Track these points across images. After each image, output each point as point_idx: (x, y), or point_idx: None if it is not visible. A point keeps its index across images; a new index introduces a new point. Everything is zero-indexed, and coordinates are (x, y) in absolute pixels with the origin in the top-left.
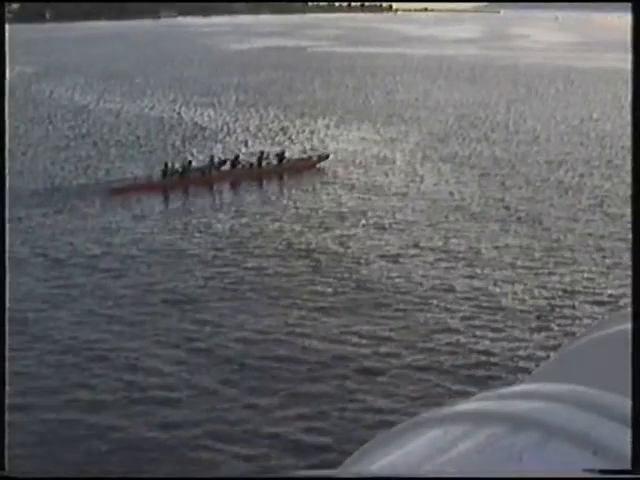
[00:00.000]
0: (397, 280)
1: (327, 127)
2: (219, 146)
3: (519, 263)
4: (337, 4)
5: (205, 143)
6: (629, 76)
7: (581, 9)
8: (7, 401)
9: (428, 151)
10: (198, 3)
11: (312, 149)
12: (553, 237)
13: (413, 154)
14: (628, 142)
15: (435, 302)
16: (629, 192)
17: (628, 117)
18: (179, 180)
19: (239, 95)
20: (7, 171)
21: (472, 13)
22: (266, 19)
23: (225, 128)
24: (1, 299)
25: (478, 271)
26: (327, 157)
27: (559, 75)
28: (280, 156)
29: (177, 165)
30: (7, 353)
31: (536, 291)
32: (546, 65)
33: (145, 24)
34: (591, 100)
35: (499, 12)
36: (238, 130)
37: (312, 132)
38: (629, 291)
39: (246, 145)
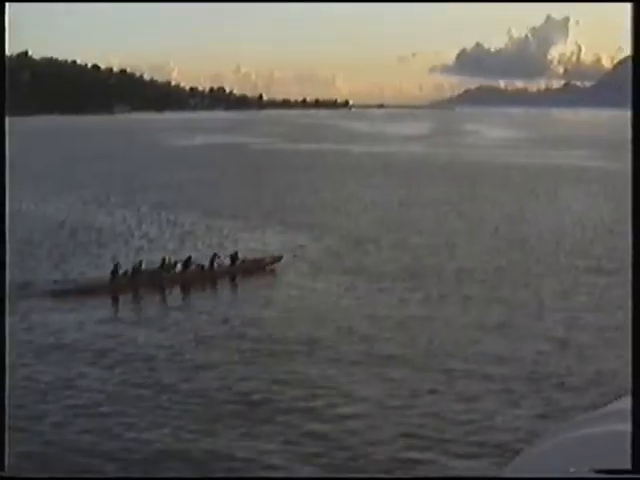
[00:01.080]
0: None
1: (238, 230)
2: (109, 251)
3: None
4: (292, 100)
5: (98, 250)
6: (568, 173)
7: (539, 105)
8: (7, 402)
9: (331, 261)
10: (152, 100)
11: (212, 253)
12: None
13: (315, 264)
14: (548, 246)
15: None
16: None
17: (559, 218)
18: (129, 282)
19: (159, 194)
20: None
21: (427, 110)
22: (220, 115)
23: (127, 231)
24: (1, 301)
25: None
26: (280, 259)
27: (497, 173)
28: (233, 257)
29: (127, 267)
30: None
31: None
32: (487, 162)
33: (99, 119)
34: (522, 199)
35: (454, 109)
36: (136, 234)
37: (220, 236)
38: None
39: (141, 251)
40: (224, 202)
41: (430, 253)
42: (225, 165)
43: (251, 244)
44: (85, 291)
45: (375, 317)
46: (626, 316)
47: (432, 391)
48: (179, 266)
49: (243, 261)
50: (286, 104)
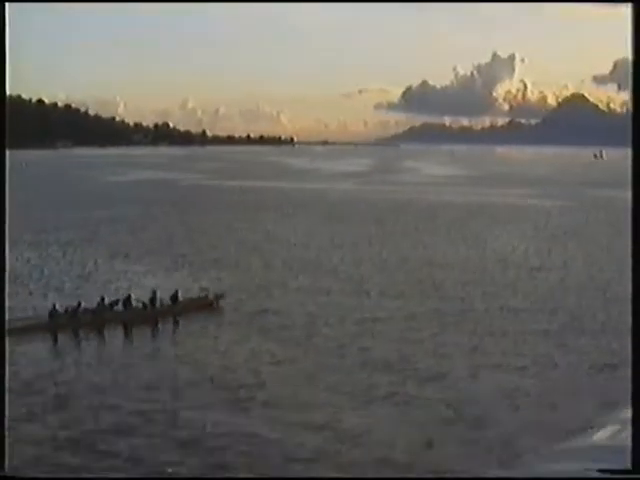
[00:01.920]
0: None
1: (141, 271)
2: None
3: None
4: (237, 136)
5: None
6: (500, 211)
7: (483, 142)
8: (7, 402)
9: (230, 306)
10: (95, 135)
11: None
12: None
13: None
14: (462, 290)
15: None
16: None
17: (480, 259)
18: (68, 322)
19: (71, 233)
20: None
21: (372, 147)
22: (162, 151)
23: (27, 272)
24: (1, 300)
25: None
26: (222, 296)
27: (427, 211)
28: (174, 296)
29: (66, 306)
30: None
31: None
32: (419, 200)
33: (38, 154)
34: (445, 239)
35: (399, 146)
36: (34, 276)
37: (121, 278)
38: None
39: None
40: (135, 241)
41: (336, 300)
42: (149, 202)
43: (150, 285)
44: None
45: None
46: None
47: None
48: (120, 305)
49: (183, 300)
50: (230, 140)
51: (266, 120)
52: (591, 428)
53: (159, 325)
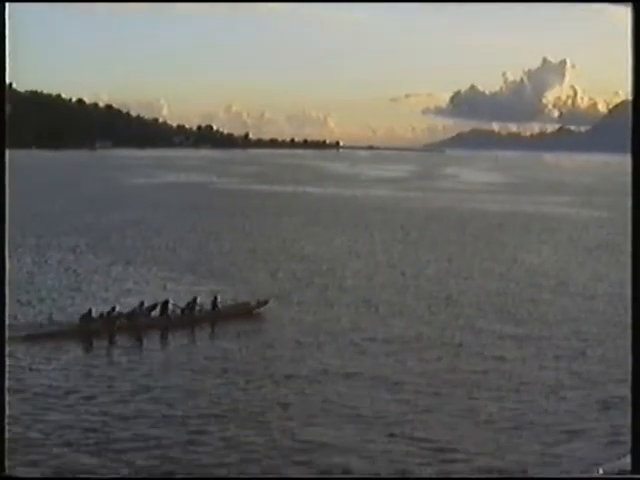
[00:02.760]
0: None
1: (140, 279)
2: None
3: None
4: (280, 140)
5: None
6: (535, 221)
7: (532, 149)
8: (7, 403)
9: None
10: (136, 136)
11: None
12: None
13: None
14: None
15: None
16: None
17: (502, 273)
18: (103, 327)
19: (79, 237)
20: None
21: (417, 152)
22: (202, 154)
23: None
24: (1, 300)
25: None
26: (266, 303)
27: (457, 220)
28: (214, 302)
29: (101, 310)
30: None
31: None
32: (450, 208)
33: (76, 155)
34: (468, 250)
35: (444, 151)
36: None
37: (116, 285)
38: None
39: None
40: (142, 247)
41: (337, 315)
42: (170, 206)
43: (142, 294)
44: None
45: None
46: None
47: None
48: (157, 310)
49: (223, 306)
50: (274, 144)
51: (312, 124)
52: None
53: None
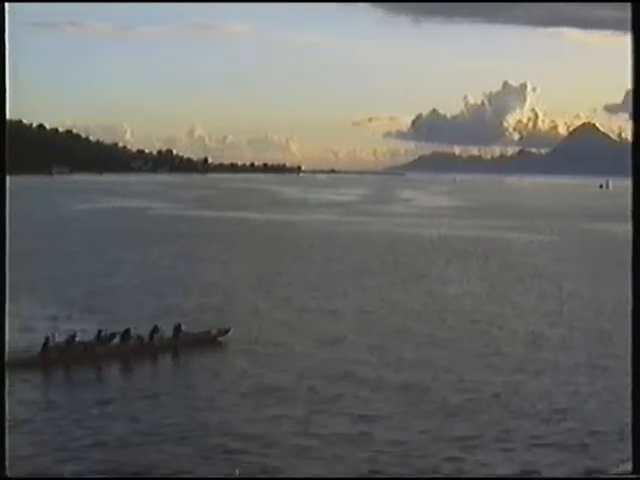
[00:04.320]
0: None
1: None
2: None
3: None
4: (241, 164)
5: None
6: (471, 246)
7: (493, 172)
8: (7, 404)
9: None
10: (94, 161)
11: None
12: None
13: None
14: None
15: None
16: None
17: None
18: (60, 356)
19: None
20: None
21: (377, 175)
22: (160, 178)
23: None
24: (1, 300)
25: None
26: (227, 331)
27: (387, 246)
28: (176, 329)
29: (60, 339)
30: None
31: None
32: (387, 233)
33: (28, 180)
34: (394, 280)
35: (404, 174)
36: None
37: None
38: None
39: None
40: (33, 277)
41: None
42: (92, 233)
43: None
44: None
45: None
46: None
47: None
48: (117, 338)
49: (185, 334)
50: (234, 168)
51: (275, 148)
52: None
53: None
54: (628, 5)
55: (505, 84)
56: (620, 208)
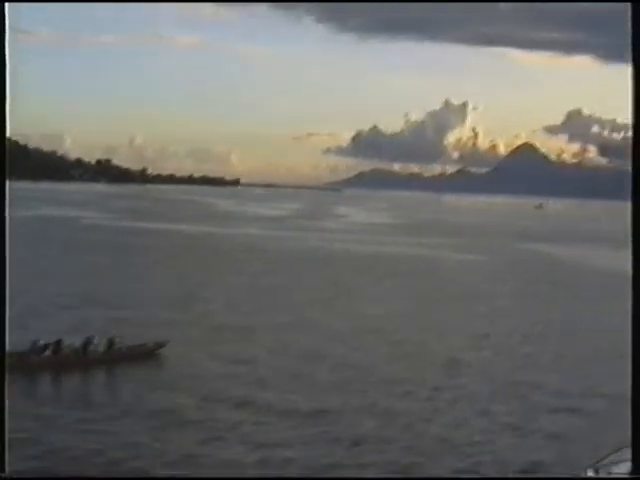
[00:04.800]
0: None
1: None
2: None
3: None
4: (179, 176)
5: None
6: (394, 263)
7: (432, 190)
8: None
9: None
10: (32, 169)
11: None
12: None
13: None
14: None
15: None
16: None
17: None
18: None
19: None
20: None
21: (314, 191)
22: (98, 188)
23: None
24: (1, 300)
25: None
26: (163, 345)
27: (314, 262)
28: (110, 342)
29: None
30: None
31: None
32: (317, 249)
33: None
34: (316, 298)
35: (340, 191)
36: None
37: None
38: None
39: None
40: None
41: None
42: (12, 240)
43: None
44: None
45: None
46: None
47: None
48: (50, 350)
49: (120, 347)
50: (172, 179)
51: (216, 160)
52: None
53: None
54: (568, 27)
55: (446, 102)
56: (553, 229)
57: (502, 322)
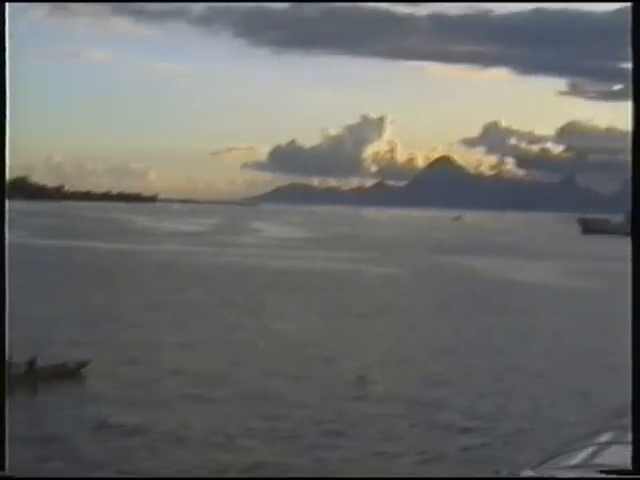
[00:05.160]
0: None
1: None
2: None
3: None
4: (96, 192)
5: None
6: (307, 279)
7: (351, 203)
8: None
9: None
10: None
11: None
12: None
13: None
14: None
15: None
16: None
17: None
18: None
19: None
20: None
21: (232, 205)
22: (15, 205)
23: None
24: (1, 299)
25: None
26: (85, 364)
27: (222, 277)
28: (31, 362)
29: None
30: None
31: None
32: (227, 265)
33: None
34: (218, 315)
35: (258, 205)
36: None
37: None
38: None
39: None
40: None
41: None
42: None
43: None
44: None
45: None
46: None
47: None
48: None
49: (41, 367)
50: (90, 196)
51: (134, 177)
52: None
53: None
54: (484, 40)
55: (364, 116)
56: (469, 241)
57: (413, 337)
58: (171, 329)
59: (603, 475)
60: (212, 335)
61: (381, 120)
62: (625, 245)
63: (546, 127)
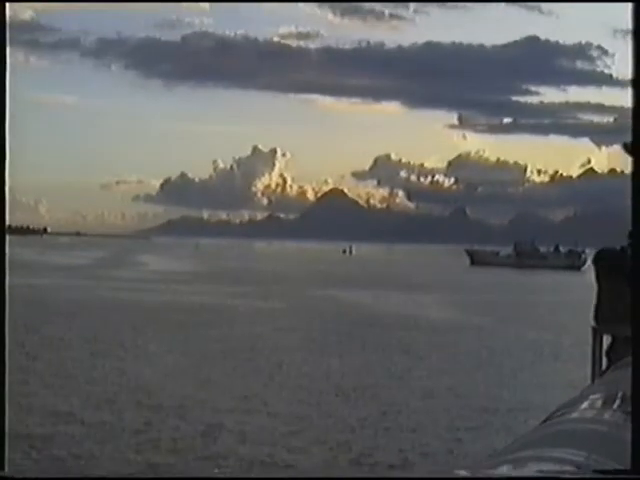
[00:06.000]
0: None
1: None
2: None
3: None
4: None
5: None
6: (183, 315)
7: (242, 237)
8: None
9: None
10: None
11: None
12: None
13: None
14: None
15: None
16: None
17: None
18: None
19: None
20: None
21: (122, 239)
22: None
23: None
24: (1, 299)
25: None
26: None
27: (100, 312)
28: None
29: None
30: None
31: None
32: (108, 298)
33: None
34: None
35: (149, 238)
36: None
37: None
38: None
39: None
40: None
41: None
42: None
43: None
44: None
45: None
46: None
47: None
48: None
49: None
50: None
51: (24, 210)
52: None
53: None
54: (376, 74)
55: (255, 149)
56: (356, 274)
57: (284, 378)
58: (13, 368)
59: (602, 475)
60: (51, 383)
61: (272, 153)
62: (514, 276)
63: (436, 160)
